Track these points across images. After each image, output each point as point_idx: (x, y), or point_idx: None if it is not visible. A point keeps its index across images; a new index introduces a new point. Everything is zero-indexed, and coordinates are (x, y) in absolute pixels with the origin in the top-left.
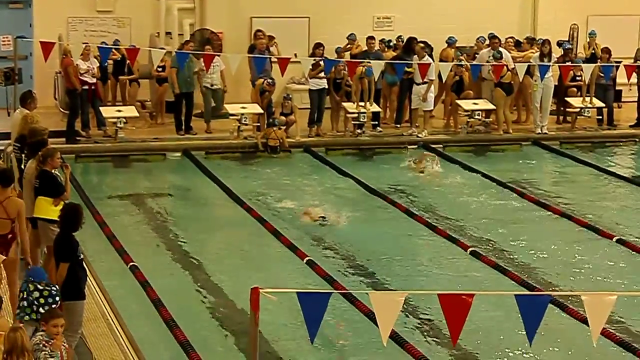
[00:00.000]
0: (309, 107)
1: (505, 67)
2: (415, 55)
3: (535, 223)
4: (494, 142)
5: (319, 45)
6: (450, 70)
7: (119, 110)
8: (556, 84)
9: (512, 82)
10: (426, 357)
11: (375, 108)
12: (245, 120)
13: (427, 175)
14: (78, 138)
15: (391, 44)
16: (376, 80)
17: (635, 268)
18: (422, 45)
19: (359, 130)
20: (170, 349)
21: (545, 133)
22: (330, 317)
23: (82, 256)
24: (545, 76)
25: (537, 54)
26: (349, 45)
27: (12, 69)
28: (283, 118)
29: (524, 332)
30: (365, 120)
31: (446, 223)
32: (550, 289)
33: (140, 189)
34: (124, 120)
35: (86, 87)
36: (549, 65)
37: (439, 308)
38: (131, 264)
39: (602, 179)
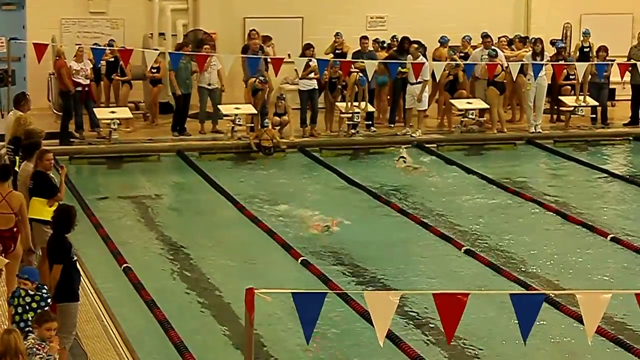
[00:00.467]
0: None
1: (499, 66)
2: (410, 55)
3: (530, 222)
4: (488, 141)
5: (309, 46)
6: (444, 70)
7: (113, 112)
8: (549, 82)
9: (505, 81)
10: (422, 356)
11: (369, 108)
12: (239, 121)
13: (413, 171)
14: (72, 139)
15: (385, 44)
16: (370, 80)
17: (629, 266)
18: (416, 45)
19: (352, 131)
20: (165, 350)
21: (539, 132)
22: (326, 319)
23: (75, 258)
24: (539, 75)
25: (530, 53)
26: (335, 44)
27: (5, 70)
28: (277, 119)
29: (519, 331)
30: (359, 120)
31: (440, 222)
32: (545, 287)
33: (134, 190)
34: (118, 121)
35: (79, 88)
36: (542, 64)
37: (434, 307)
38: (125, 265)
39: (596, 177)
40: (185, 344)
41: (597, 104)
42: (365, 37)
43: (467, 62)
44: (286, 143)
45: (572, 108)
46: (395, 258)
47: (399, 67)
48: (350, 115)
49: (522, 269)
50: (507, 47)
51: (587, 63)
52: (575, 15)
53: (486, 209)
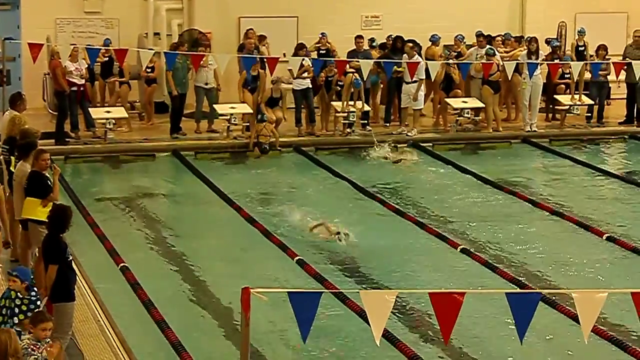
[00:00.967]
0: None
1: (496, 65)
2: (405, 54)
3: (525, 220)
4: (483, 140)
5: (302, 46)
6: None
7: (108, 111)
8: (545, 81)
9: (500, 80)
10: (418, 355)
11: (364, 107)
12: (234, 121)
13: (402, 165)
14: (67, 139)
15: (374, 43)
16: (365, 79)
17: (625, 265)
18: (411, 44)
19: (348, 130)
20: (162, 349)
21: (535, 130)
22: (322, 318)
23: (71, 258)
24: (534, 74)
25: (525, 52)
26: (319, 44)
27: (0, 70)
28: (273, 117)
29: (515, 330)
30: (354, 119)
31: (436, 221)
32: (541, 286)
33: (130, 190)
34: (113, 121)
35: (74, 88)
36: (538, 63)
37: (430, 306)
38: (122, 264)
39: (591, 176)
40: (182, 343)
41: (592, 102)
42: (360, 37)
43: (463, 61)
44: (282, 142)
45: (567, 107)
46: (391, 257)
47: (394, 67)
48: (345, 114)
49: (518, 268)
50: (502, 46)
51: (582, 62)
52: (570, 14)
53: (482, 208)
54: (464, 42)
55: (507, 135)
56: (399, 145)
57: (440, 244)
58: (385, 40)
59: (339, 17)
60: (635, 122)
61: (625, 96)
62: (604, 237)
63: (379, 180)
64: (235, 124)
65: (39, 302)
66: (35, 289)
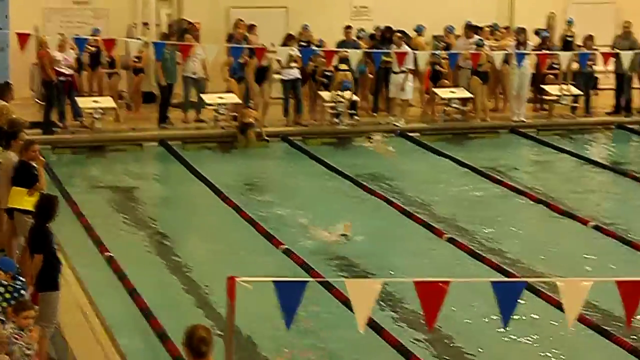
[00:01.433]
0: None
1: (485, 55)
2: (394, 45)
3: (513, 210)
4: (471, 130)
5: (290, 37)
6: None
7: (96, 101)
8: (533, 72)
9: (489, 70)
10: (402, 344)
11: (352, 97)
12: (222, 110)
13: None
14: (55, 129)
15: (361, 33)
16: (354, 68)
17: (611, 254)
18: (399, 34)
19: (336, 119)
20: (147, 338)
21: (523, 121)
22: (307, 306)
23: (57, 247)
24: (522, 64)
25: (514, 42)
26: (301, 36)
27: None
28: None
29: (500, 318)
30: (342, 109)
31: (423, 210)
32: (526, 275)
33: (117, 180)
34: (101, 110)
35: (62, 78)
36: (526, 54)
37: (415, 295)
38: (107, 254)
39: (579, 165)
40: (166, 332)
41: (580, 93)
42: (349, 27)
43: (452, 51)
44: (270, 132)
45: (555, 97)
46: (377, 246)
47: (382, 57)
48: (333, 104)
49: (504, 257)
50: (490, 36)
51: (571, 52)
52: (559, 4)
53: (469, 198)
54: (454, 33)
55: (495, 125)
56: (373, 137)
57: (426, 232)
58: (373, 31)
59: (328, 7)
60: (623, 112)
61: (613, 87)
62: (591, 226)
63: (367, 170)
64: (223, 114)
65: (23, 292)
66: (22, 278)
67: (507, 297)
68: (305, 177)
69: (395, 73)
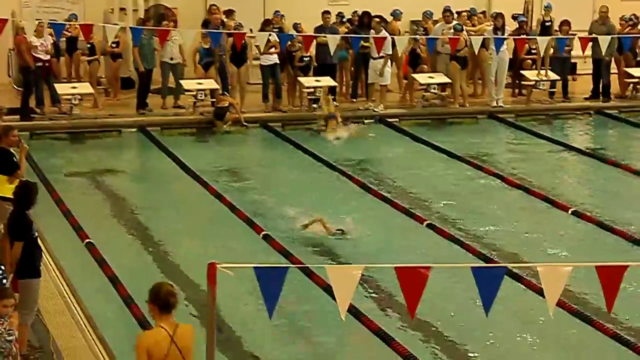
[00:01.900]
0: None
1: (463, 40)
2: (372, 30)
3: (492, 195)
4: (450, 116)
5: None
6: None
7: (74, 87)
8: (511, 57)
9: (467, 55)
10: (384, 330)
11: (331, 82)
12: (201, 96)
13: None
14: (33, 115)
15: (344, 19)
16: (332, 54)
17: (590, 239)
18: (378, 19)
19: (315, 105)
20: (128, 325)
21: (501, 106)
22: (288, 293)
23: (37, 234)
24: (500, 49)
25: (491, 27)
26: (273, 22)
27: None
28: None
29: (481, 304)
30: (320, 95)
31: (402, 196)
32: (506, 260)
33: (96, 166)
34: (79, 97)
35: (40, 64)
36: (504, 39)
37: (396, 281)
38: (87, 241)
39: (557, 151)
40: (147, 319)
41: (558, 78)
42: (327, 12)
43: (430, 36)
44: (248, 118)
45: (533, 82)
46: (357, 232)
47: (361, 42)
48: (312, 90)
49: (484, 243)
50: (468, 21)
51: (549, 37)
52: None
53: (448, 183)
54: (432, 18)
55: (474, 111)
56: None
57: (406, 219)
58: (351, 16)
59: None
60: (601, 97)
61: (591, 72)
62: (570, 212)
63: (346, 156)
64: (202, 100)
65: (4, 280)
66: (2, 266)
67: (487, 282)
68: (284, 163)
69: (374, 59)
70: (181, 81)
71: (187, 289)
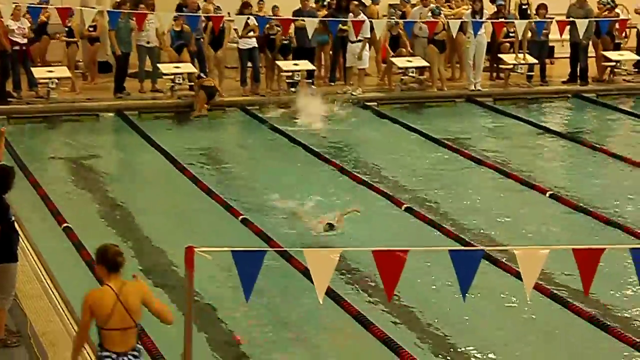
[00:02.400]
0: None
1: (441, 24)
2: (351, 13)
3: (470, 179)
4: (428, 99)
5: (247, 5)
6: (390, 31)
7: (50, 71)
8: (489, 40)
9: (445, 39)
10: (362, 313)
11: (309, 66)
12: (178, 80)
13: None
14: (9, 99)
15: (325, 2)
16: (310, 38)
17: (568, 222)
18: (356, 2)
19: (293, 89)
20: None
21: (479, 90)
22: (266, 277)
23: (14, 218)
24: (478, 33)
25: (469, 10)
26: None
27: None
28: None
29: (458, 287)
30: (299, 78)
31: (380, 179)
32: (484, 244)
33: (73, 150)
34: (56, 80)
35: (17, 47)
36: (482, 22)
37: (374, 264)
38: (65, 225)
39: (535, 134)
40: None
41: (536, 61)
42: None
43: (407, 19)
44: (227, 102)
45: (511, 66)
46: (335, 215)
47: (339, 25)
48: (290, 73)
49: (462, 226)
50: (445, 5)
51: (527, 21)
52: None
53: (426, 167)
54: (409, 2)
55: (452, 95)
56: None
57: (384, 202)
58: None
59: None
60: (579, 81)
61: (568, 55)
62: (548, 195)
63: (324, 139)
64: (180, 84)
65: None
66: None
67: (465, 266)
68: (263, 147)
69: (352, 42)
70: (159, 65)
71: (165, 273)
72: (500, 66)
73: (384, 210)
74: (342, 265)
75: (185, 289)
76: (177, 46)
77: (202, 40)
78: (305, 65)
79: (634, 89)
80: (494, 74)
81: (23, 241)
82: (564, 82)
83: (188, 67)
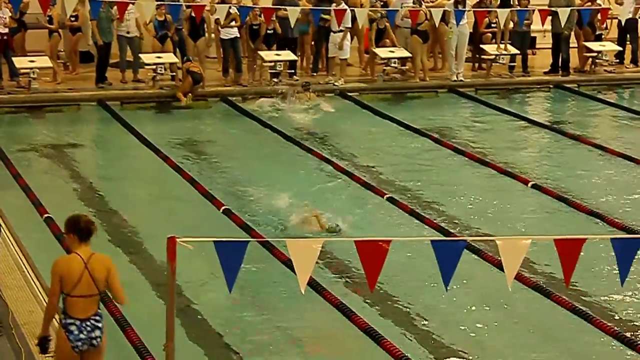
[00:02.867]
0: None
1: (423, 14)
2: (333, 3)
3: (452, 169)
4: (410, 90)
5: None
6: (374, 22)
7: (32, 61)
8: (471, 31)
9: (428, 29)
10: (344, 303)
11: (291, 56)
12: (160, 70)
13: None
14: None
15: None
16: (292, 27)
17: (549, 212)
18: None
19: (275, 79)
20: None
21: (461, 80)
22: (248, 267)
23: None
24: (460, 23)
25: (452, 1)
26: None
27: None
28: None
29: (440, 277)
30: (281, 68)
31: (363, 170)
32: (466, 234)
33: (55, 140)
34: (37, 70)
35: None
36: (464, 12)
37: (356, 254)
38: (46, 215)
39: (517, 125)
40: (107, 293)
41: (518, 52)
42: None
43: (390, 9)
44: (209, 92)
45: (493, 56)
46: (318, 206)
47: (321, 15)
48: (272, 63)
49: (444, 216)
50: None
51: (509, 10)
52: None
53: (408, 157)
54: None
55: (434, 85)
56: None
57: (366, 192)
58: None
59: None
60: (560, 71)
61: (550, 46)
62: (529, 185)
63: (306, 130)
64: (162, 74)
65: None
66: None
67: (447, 256)
68: (244, 137)
69: (334, 32)
70: (140, 55)
71: (147, 263)
72: (482, 57)
73: (366, 200)
74: (324, 255)
75: (167, 279)
76: (160, 36)
77: (182, 30)
78: (287, 55)
79: (615, 80)
80: (476, 65)
81: (5, 232)
82: (545, 73)
83: (170, 57)
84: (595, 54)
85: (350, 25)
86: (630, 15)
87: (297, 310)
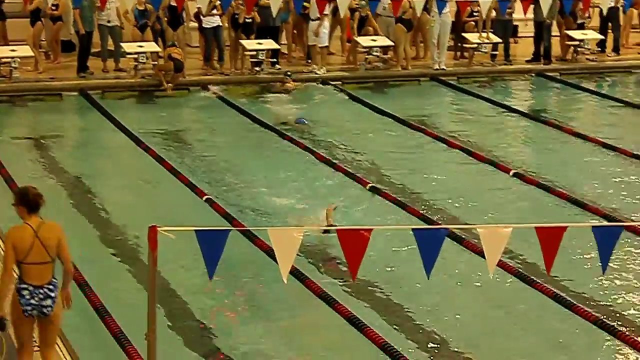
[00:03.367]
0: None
1: (406, 2)
2: None
3: (434, 158)
4: (392, 79)
5: None
6: (356, 11)
7: (13, 50)
8: (453, 19)
9: (411, 18)
10: (326, 292)
11: (273, 45)
12: (142, 59)
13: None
14: None
15: None
16: (275, 16)
17: (531, 201)
18: None
19: (257, 68)
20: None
21: (443, 69)
22: (230, 256)
23: None
24: (443, 12)
25: None
26: None
27: None
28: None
29: (422, 266)
30: (263, 57)
31: (345, 159)
32: (448, 222)
33: (37, 130)
34: (19, 59)
35: None
36: (446, 1)
37: (338, 243)
38: None
39: (499, 113)
40: (89, 284)
41: (500, 40)
42: None
43: None
44: (190, 81)
45: (475, 45)
46: (300, 195)
47: (303, 3)
48: (254, 52)
49: (427, 205)
50: None
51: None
52: None
53: (391, 146)
54: None
55: (416, 74)
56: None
57: (349, 181)
58: None
59: None
60: (542, 60)
61: (532, 35)
62: (511, 174)
63: (288, 119)
64: (144, 63)
65: None
66: None
67: (428, 244)
68: (227, 126)
69: (313, 20)
70: (122, 44)
71: (128, 253)
72: (465, 45)
73: (348, 189)
74: (306, 244)
75: (149, 268)
76: (141, 25)
77: (163, 19)
78: (269, 44)
79: (596, 68)
80: (458, 53)
81: None
82: (527, 61)
83: (151, 46)
84: (577, 43)
85: (326, 12)
86: (612, 4)
87: (281, 300)
